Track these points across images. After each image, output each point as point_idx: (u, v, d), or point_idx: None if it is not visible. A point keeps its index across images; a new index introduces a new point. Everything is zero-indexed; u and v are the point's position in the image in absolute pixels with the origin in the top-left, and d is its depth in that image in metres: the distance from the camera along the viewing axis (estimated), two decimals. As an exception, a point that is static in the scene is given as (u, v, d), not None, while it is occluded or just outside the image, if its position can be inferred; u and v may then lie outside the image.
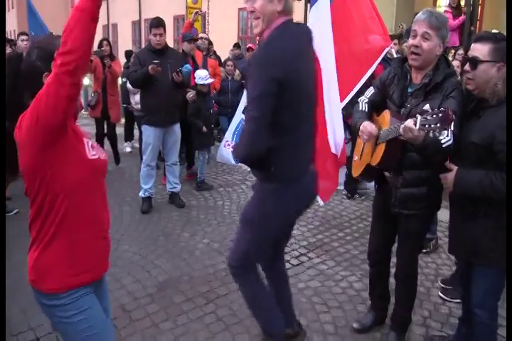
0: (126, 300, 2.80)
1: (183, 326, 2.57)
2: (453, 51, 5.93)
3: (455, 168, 1.92)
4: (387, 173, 2.23)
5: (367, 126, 2.11)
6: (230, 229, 3.88)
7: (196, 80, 4.70)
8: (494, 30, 7.44)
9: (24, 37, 5.50)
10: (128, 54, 6.88)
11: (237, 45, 9.15)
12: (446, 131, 1.78)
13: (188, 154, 5.34)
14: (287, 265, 3.26)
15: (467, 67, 1.90)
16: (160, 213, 4.26)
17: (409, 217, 2.18)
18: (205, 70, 4.85)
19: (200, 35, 7.19)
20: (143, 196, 4.30)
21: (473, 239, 1.96)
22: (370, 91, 2.30)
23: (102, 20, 21.82)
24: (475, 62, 1.85)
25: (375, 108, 2.24)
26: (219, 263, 3.30)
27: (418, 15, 1.99)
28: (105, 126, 5.70)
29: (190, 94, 4.68)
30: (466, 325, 2.13)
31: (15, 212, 4.06)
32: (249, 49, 8.06)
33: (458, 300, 2.77)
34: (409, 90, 2.08)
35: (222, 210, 4.39)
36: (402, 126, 1.78)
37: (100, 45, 5.51)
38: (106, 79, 5.44)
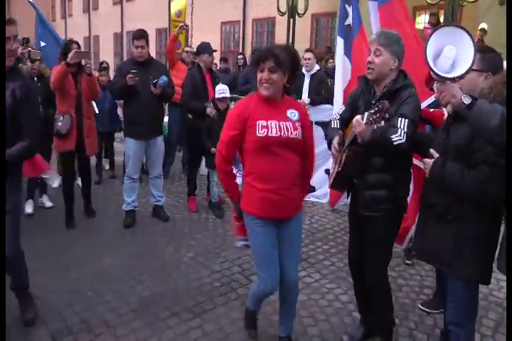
0: (109, 316, 2.73)
1: (168, 342, 2.52)
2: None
3: (436, 154, 1.98)
4: (355, 180, 2.33)
5: (335, 142, 2.33)
6: (215, 243, 3.85)
7: (216, 95, 4.42)
8: (482, 25, 7.66)
9: None
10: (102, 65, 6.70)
11: (224, 59, 9.23)
12: (383, 122, 2.09)
13: (189, 178, 4.85)
14: (273, 278, 3.26)
15: None
16: (144, 227, 4.20)
17: (373, 219, 2.27)
18: (225, 85, 4.53)
19: (186, 48, 7.22)
20: (126, 209, 4.24)
21: (438, 243, 1.99)
22: (341, 109, 2.50)
23: (83, 32, 21.94)
24: None
25: (346, 123, 2.38)
26: (204, 277, 3.26)
27: (372, 36, 2.29)
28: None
29: (212, 111, 4.36)
30: (445, 339, 2.15)
31: None
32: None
33: (437, 311, 2.83)
34: (373, 102, 2.26)
35: (206, 223, 4.36)
36: (353, 120, 2.07)
37: (66, 49, 3.94)
38: (80, 98, 3.95)
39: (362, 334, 2.57)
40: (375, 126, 2.06)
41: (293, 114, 2.23)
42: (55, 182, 5.05)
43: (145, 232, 4.08)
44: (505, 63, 4.02)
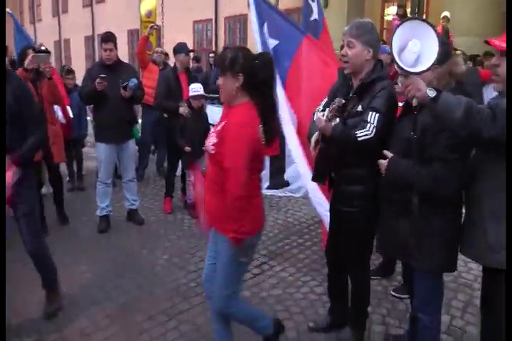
0: (84, 323, 2.73)
1: (144, 345, 2.54)
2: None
3: (390, 155, 2.02)
4: (332, 173, 2.36)
5: (315, 138, 2.28)
6: (190, 243, 3.87)
7: (190, 93, 4.39)
8: (445, 13, 7.79)
9: None
10: None
11: (196, 58, 9.19)
12: (338, 119, 2.12)
13: (167, 179, 4.80)
14: (248, 275, 3.30)
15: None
16: (119, 231, 4.19)
17: (349, 214, 2.29)
18: (199, 84, 4.48)
19: (156, 49, 7.17)
20: (100, 215, 4.22)
21: (400, 237, 2.04)
22: (324, 101, 2.46)
23: (53, 36, 21.57)
24: None
25: None
26: (180, 278, 3.27)
27: (344, 28, 2.22)
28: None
29: (185, 110, 4.34)
30: (413, 324, 2.22)
31: None
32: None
33: (407, 296, 2.89)
34: (350, 95, 2.25)
35: (181, 224, 4.37)
36: (315, 117, 2.13)
37: (23, 55, 3.96)
38: (42, 103, 3.84)
39: (328, 322, 2.63)
40: (333, 123, 2.09)
41: (222, 124, 2.04)
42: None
43: (120, 236, 4.07)
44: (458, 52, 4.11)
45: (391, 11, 10.63)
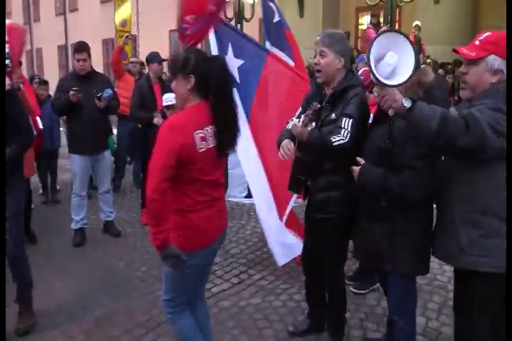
0: (61, 339, 2.67)
1: (121, 360, 2.50)
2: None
3: (363, 161, 2.07)
4: (309, 183, 2.38)
5: (285, 144, 2.28)
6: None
7: (163, 103, 4.30)
8: (416, 22, 7.95)
9: None
10: None
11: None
12: (314, 124, 2.17)
13: (143, 190, 4.64)
14: (227, 284, 3.29)
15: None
16: (95, 244, 4.12)
17: (324, 221, 2.32)
18: (172, 93, 4.38)
19: (131, 58, 7.13)
20: (75, 228, 4.14)
21: (373, 242, 2.09)
22: (298, 110, 2.49)
23: (24, 46, 21.21)
24: None
25: None
26: (158, 289, 3.21)
27: (316, 38, 2.28)
28: None
29: (159, 120, 4.22)
30: (391, 327, 2.26)
31: None
32: None
33: (370, 289, 3.12)
34: (324, 103, 2.30)
35: (160, 235, 4.32)
36: (292, 123, 2.15)
37: None
38: None
39: (307, 325, 2.66)
40: (309, 128, 2.12)
41: None
42: None
43: (96, 249, 4.01)
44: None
45: (365, 21, 10.89)
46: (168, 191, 1.85)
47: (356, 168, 2.07)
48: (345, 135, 2.09)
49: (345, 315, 2.57)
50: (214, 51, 3.35)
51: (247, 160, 3.40)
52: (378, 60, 1.80)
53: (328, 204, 2.29)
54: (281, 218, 3.46)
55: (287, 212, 3.54)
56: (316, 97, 2.38)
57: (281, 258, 3.28)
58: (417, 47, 7.51)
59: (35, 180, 4.91)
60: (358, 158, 2.08)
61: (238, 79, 3.44)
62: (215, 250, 2.15)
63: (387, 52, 1.79)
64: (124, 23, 12.24)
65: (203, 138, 1.88)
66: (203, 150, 1.88)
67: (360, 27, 11.22)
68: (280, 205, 3.46)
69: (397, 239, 2.02)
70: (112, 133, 4.70)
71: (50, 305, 3.04)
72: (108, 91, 3.96)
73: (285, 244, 3.30)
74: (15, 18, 22.30)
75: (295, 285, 3.26)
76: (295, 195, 3.49)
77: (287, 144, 2.26)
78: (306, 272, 2.64)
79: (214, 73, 1.88)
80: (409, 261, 2.03)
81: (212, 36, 3.36)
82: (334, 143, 2.09)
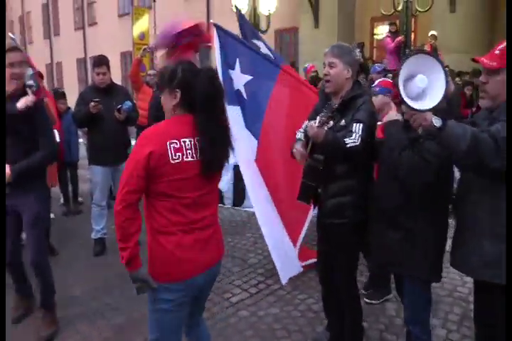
0: (82, 347, 2.71)
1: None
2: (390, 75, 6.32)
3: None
4: (319, 189, 2.41)
5: (297, 147, 2.41)
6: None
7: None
8: (432, 32, 7.86)
9: None
10: None
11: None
12: (332, 122, 2.21)
13: None
14: (246, 294, 3.30)
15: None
16: (114, 253, 4.08)
17: (338, 226, 2.33)
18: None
19: (149, 71, 7.27)
20: (95, 237, 4.21)
21: (388, 245, 2.10)
22: (305, 123, 2.53)
23: (45, 59, 21.75)
24: None
25: None
26: (177, 298, 3.26)
27: (325, 50, 2.38)
28: None
29: None
30: (409, 338, 2.24)
31: None
32: None
33: (383, 299, 3.11)
34: (326, 106, 2.39)
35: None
36: (307, 124, 2.20)
37: None
38: None
39: (327, 337, 2.64)
40: (326, 128, 2.17)
41: None
42: None
43: (116, 258, 3.97)
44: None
45: (380, 31, 10.90)
46: (136, 205, 1.70)
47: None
48: (356, 138, 2.17)
49: (364, 325, 2.56)
50: (219, 66, 3.36)
51: (250, 178, 3.40)
52: (407, 80, 1.79)
53: (341, 209, 2.32)
54: (295, 242, 3.50)
55: (303, 232, 3.56)
56: (324, 108, 2.43)
57: (286, 276, 3.30)
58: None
59: (55, 190, 5.02)
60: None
61: (245, 96, 3.46)
62: (201, 286, 1.87)
63: (417, 73, 1.79)
64: (142, 36, 12.50)
65: (178, 150, 1.72)
66: (176, 161, 1.71)
67: (375, 37, 11.24)
68: (292, 227, 3.48)
69: (414, 244, 2.03)
70: (130, 144, 4.80)
71: (71, 312, 3.09)
72: (127, 104, 4.05)
73: (289, 262, 3.34)
74: (35, 32, 23.01)
75: (313, 296, 3.25)
76: (310, 214, 3.51)
77: (298, 148, 2.40)
78: (321, 280, 2.64)
79: (199, 84, 1.75)
80: (425, 266, 2.04)
81: (217, 51, 3.38)
82: (347, 145, 2.16)
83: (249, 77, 3.45)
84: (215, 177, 1.90)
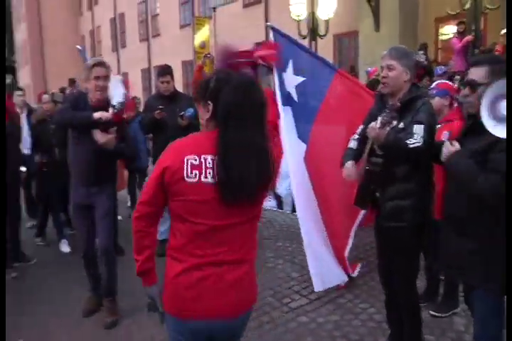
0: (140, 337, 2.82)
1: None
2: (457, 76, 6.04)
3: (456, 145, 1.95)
4: (377, 193, 2.36)
5: (347, 167, 2.47)
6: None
7: None
8: (504, 31, 7.36)
9: (19, 92, 5.34)
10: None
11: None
12: (395, 122, 2.16)
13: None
14: (305, 300, 3.28)
15: (467, 90, 2.01)
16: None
17: (397, 230, 2.28)
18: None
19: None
20: (159, 239, 4.36)
21: (460, 256, 1.98)
22: (360, 128, 2.56)
23: (113, 70, 23.00)
24: (473, 86, 1.95)
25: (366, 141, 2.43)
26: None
27: (383, 52, 2.37)
28: None
29: None
30: None
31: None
32: None
33: (450, 312, 2.96)
34: (387, 106, 2.31)
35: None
36: (368, 127, 2.17)
37: None
38: None
39: None
40: (388, 128, 2.15)
41: None
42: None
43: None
44: None
45: (445, 31, 10.44)
46: (150, 219, 1.58)
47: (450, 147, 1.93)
48: (418, 138, 2.12)
49: (430, 338, 2.44)
50: (275, 70, 3.37)
51: (297, 184, 3.35)
52: (493, 102, 1.73)
53: (400, 212, 2.27)
54: (341, 251, 3.42)
55: (350, 240, 3.48)
56: (382, 111, 2.36)
57: (320, 284, 3.23)
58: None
59: (122, 193, 5.29)
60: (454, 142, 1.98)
61: (296, 98, 3.44)
62: (209, 336, 1.57)
63: (500, 96, 1.73)
64: (203, 45, 12.90)
65: (196, 167, 1.47)
66: (191, 180, 1.47)
67: (439, 38, 10.78)
68: (338, 236, 3.42)
69: (486, 254, 1.91)
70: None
71: (130, 305, 3.22)
72: (190, 110, 4.20)
73: (329, 272, 3.26)
74: (105, 45, 24.51)
75: (375, 305, 3.16)
76: (357, 222, 3.43)
77: (351, 167, 2.41)
78: (383, 286, 2.57)
79: (224, 94, 1.49)
80: (497, 277, 1.90)
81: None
82: (410, 146, 2.12)
83: (301, 79, 3.44)
84: (246, 206, 1.52)
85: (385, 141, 2.16)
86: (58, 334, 2.99)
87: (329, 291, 3.41)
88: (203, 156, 1.48)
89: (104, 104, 2.98)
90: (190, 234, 1.52)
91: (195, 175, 1.47)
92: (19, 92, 5.53)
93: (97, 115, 2.87)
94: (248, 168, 1.48)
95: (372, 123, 2.20)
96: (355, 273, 3.54)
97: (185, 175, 1.47)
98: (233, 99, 1.48)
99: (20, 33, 29.24)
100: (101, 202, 3.09)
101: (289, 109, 3.44)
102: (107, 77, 2.97)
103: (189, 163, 1.48)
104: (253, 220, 1.60)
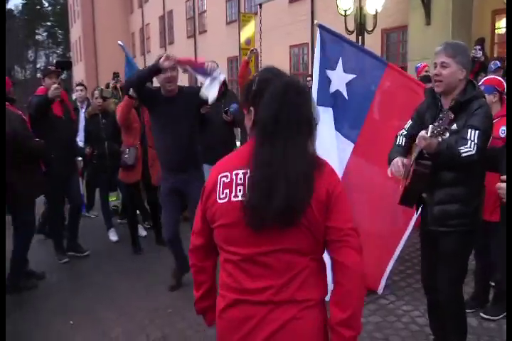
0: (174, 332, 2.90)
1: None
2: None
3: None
4: (424, 194, 2.28)
5: (396, 163, 2.28)
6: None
7: None
8: None
9: (79, 87, 5.86)
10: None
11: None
12: (448, 134, 1.99)
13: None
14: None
15: None
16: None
17: (444, 235, 2.20)
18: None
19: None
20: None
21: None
22: (408, 124, 2.44)
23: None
24: None
25: (414, 138, 2.32)
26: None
27: (437, 48, 2.21)
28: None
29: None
30: None
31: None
32: None
33: (502, 315, 2.81)
34: (441, 115, 2.18)
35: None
36: (418, 135, 2.02)
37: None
38: (144, 129, 4.26)
39: None
40: (440, 139, 2.02)
41: None
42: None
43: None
44: None
45: (503, 24, 9.88)
46: (202, 251, 1.40)
47: (503, 185, 1.90)
48: (471, 146, 2.01)
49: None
50: (316, 68, 3.38)
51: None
52: None
53: (446, 217, 2.18)
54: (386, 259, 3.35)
55: (398, 248, 3.38)
56: (432, 109, 2.29)
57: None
58: None
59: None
60: (503, 177, 1.92)
61: (346, 95, 3.39)
62: None
63: None
64: (248, 42, 12.96)
65: (227, 185, 1.28)
66: (223, 201, 1.28)
67: (497, 31, 10.20)
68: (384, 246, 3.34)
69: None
70: (236, 144, 5.01)
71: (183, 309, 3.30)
72: (234, 106, 4.25)
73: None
74: (153, 42, 25.15)
75: (419, 308, 3.07)
76: (410, 226, 3.31)
77: (397, 165, 2.26)
78: (426, 290, 2.50)
79: (265, 105, 1.27)
80: None
81: (318, 52, 3.36)
82: (462, 155, 2.01)
83: (352, 76, 3.38)
84: (276, 232, 1.23)
85: (436, 150, 2.03)
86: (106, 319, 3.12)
87: (371, 291, 3.34)
88: (234, 172, 1.28)
89: (175, 95, 3.25)
90: (227, 266, 1.31)
91: (226, 194, 1.27)
92: (80, 87, 5.87)
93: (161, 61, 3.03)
94: (275, 190, 1.21)
95: (423, 133, 2.02)
96: (380, 291, 3.34)
97: (217, 197, 1.28)
98: (272, 103, 1.26)
99: (75, 31, 30.62)
100: (194, 190, 3.05)
101: (329, 110, 3.36)
102: (174, 69, 3.16)
103: (221, 182, 1.29)
104: (302, 247, 1.26)
